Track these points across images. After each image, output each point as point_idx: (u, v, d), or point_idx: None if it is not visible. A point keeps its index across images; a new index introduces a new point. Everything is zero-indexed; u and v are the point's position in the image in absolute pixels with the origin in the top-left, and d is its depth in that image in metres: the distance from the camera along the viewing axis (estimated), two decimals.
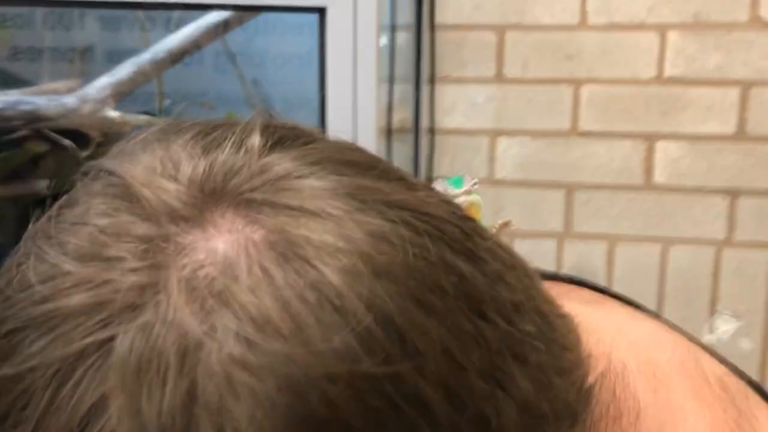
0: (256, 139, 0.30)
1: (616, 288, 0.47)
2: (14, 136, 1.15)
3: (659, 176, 1.50)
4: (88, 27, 1.35)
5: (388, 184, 0.30)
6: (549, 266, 1.55)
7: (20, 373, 0.26)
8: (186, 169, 0.28)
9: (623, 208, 1.51)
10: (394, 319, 0.26)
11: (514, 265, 0.32)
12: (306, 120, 1.56)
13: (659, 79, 1.48)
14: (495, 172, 1.54)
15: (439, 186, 0.52)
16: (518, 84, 1.51)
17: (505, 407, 0.28)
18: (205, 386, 0.24)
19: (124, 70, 1.09)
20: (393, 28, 1.48)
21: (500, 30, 1.51)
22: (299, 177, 0.28)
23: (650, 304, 1.53)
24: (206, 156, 0.29)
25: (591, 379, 0.36)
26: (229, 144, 0.29)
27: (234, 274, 0.25)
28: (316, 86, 1.42)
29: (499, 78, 1.52)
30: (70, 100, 1.04)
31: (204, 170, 0.28)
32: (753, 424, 0.39)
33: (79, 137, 1.12)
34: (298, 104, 1.57)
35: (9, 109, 1.01)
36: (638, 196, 1.50)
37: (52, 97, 1.04)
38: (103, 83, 1.07)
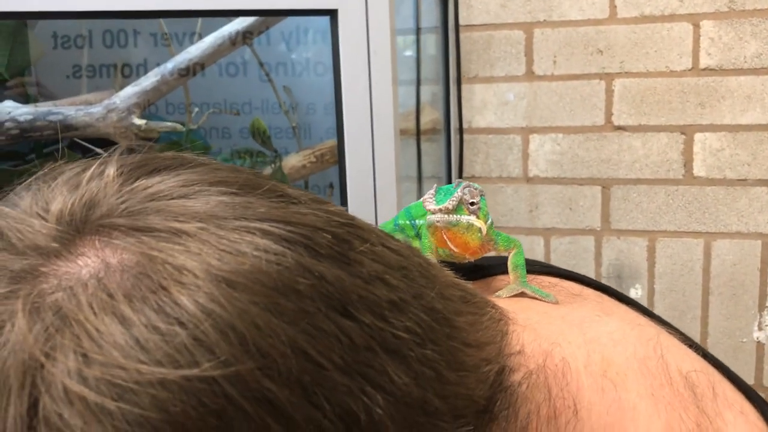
0: (111, 171, 0.32)
1: (659, 285, 0.46)
2: (41, 144, 1.20)
3: (699, 169, 1.45)
4: (131, 43, 1.40)
5: (258, 201, 0.32)
6: (588, 264, 1.52)
7: None
8: (55, 207, 0.31)
9: (662, 203, 1.47)
10: (233, 323, 0.27)
11: (405, 266, 0.33)
12: (329, 125, 1.58)
13: (695, 69, 1.44)
14: (528, 170, 1.52)
15: (428, 193, 0.47)
16: (549, 80, 1.49)
17: (377, 402, 0.28)
18: (45, 402, 0.26)
19: (149, 79, 1.12)
20: (418, 31, 1.48)
21: (528, 27, 1.49)
22: (160, 200, 0.31)
23: (695, 301, 1.49)
24: (72, 192, 0.31)
25: (516, 376, 0.36)
26: (88, 179, 0.32)
27: (77, 297, 0.27)
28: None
29: (529, 75, 1.50)
30: (97, 110, 1.08)
31: (69, 205, 0.31)
32: (716, 425, 0.38)
33: (108, 147, 1.15)
34: (324, 110, 1.58)
35: (39, 119, 1.05)
36: (678, 190, 1.46)
37: (80, 107, 1.08)
38: (128, 92, 1.10)
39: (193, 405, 0.26)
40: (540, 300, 0.45)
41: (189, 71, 1.16)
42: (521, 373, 0.36)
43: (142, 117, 1.12)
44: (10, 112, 1.04)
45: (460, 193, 0.46)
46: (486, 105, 1.53)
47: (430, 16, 1.49)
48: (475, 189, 0.47)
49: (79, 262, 0.28)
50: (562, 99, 1.50)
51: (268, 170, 1.34)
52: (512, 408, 0.35)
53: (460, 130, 1.53)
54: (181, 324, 0.27)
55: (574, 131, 1.50)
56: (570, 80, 1.49)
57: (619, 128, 1.48)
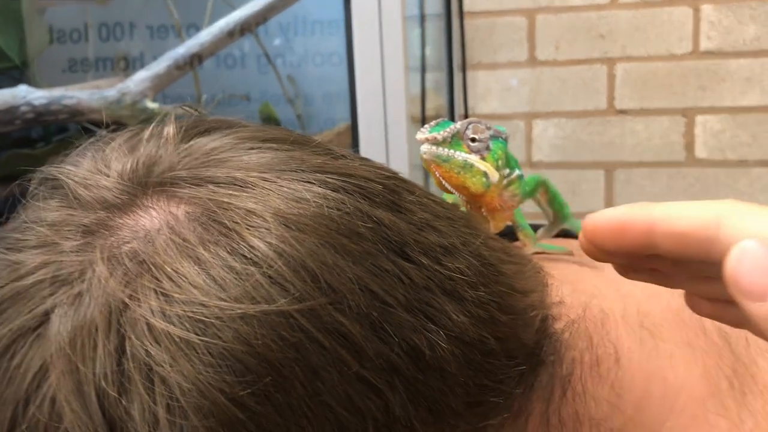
0: (170, 130, 0.34)
1: None
2: (51, 130, 1.21)
3: (700, 151, 1.47)
4: (137, 37, 1.41)
5: (309, 155, 0.33)
6: None
7: None
8: (115, 166, 0.32)
9: (665, 185, 1.49)
10: (305, 262, 0.28)
11: (450, 216, 0.35)
12: (344, 113, 1.59)
13: (695, 53, 1.46)
14: (532, 155, 1.54)
15: (420, 132, 0.40)
16: (551, 66, 1.51)
17: (440, 338, 0.30)
18: (131, 341, 0.27)
19: (161, 64, 1.13)
20: (422, 18, 1.50)
21: (530, 13, 1.51)
22: (219, 154, 0.32)
23: None
24: (132, 153, 0.33)
25: (558, 325, 0.37)
26: (147, 140, 0.33)
27: (153, 244, 0.29)
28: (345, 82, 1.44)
29: (532, 61, 1.52)
30: (110, 93, 1.09)
31: (130, 164, 0.32)
32: (751, 370, 0.39)
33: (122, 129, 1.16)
34: (335, 99, 1.59)
35: (54, 103, 1.06)
36: (680, 172, 1.48)
37: (94, 91, 1.09)
38: (141, 76, 1.11)
39: (272, 338, 0.27)
40: (556, 254, 0.46)
41: (200, 57, 1.17)
42: (563, 321, 0.37)
43: (154, 101, 1.13)
44: (25, 96, 1.05)
45: (458, 126, 0.39)
46: (489, 91, 1.55)
47: (433, 2, 1.50)
48: (485, 127, 0.40)
49: (148, 214, 0.30)
50: (564, 84, 1.52)
51: None
52: (557, 354, 0.36)
53: (465, 117, 1.54)
54: (255, 264, 0.28)
55: (577, 116, 1.52)
56: (572, 65, 1.51)
57: (622, 112, 1.50)
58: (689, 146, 1.48)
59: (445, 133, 0.39)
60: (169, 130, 0.34)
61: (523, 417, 0.35)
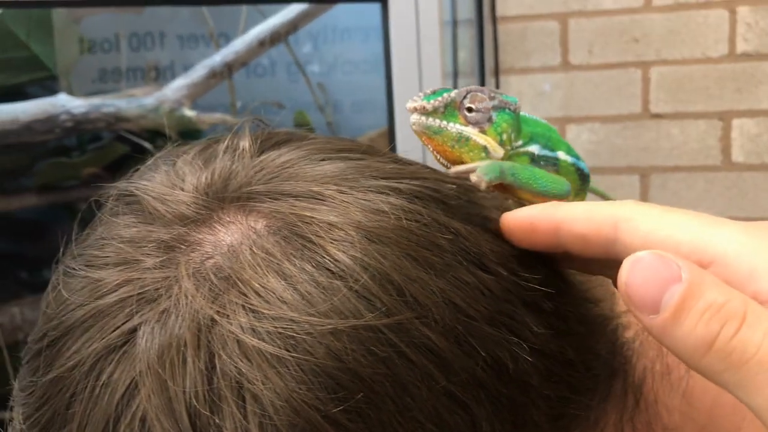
0: (245, 144, 0.33)
1: None
2: (86, 139, 1.21)
3: (737, 155, 1.45)
4: (167, 46, 1.42)
5: (381, 162, 0.33)
6: None
7: (62, 375, 0.29)
8: (190, 180, 0.32)
9: (702, 190, 1.47)
10: (390, 276, 0.28)
11: None
12: (374, 120, 1.58)
13: (731, 55, 1.44)
14: None
15: (411, 100, 0.36)
16: (585, 70, 1.50)
17: (521, 352, 0.29)
18: (221, 357, 0.27)
19: (198, 72, 1.14)
20: (454, 23, 1.49)
21: (563, 17, 1.50)
22: (293, 167, 0.32)
23: None
24: (206, 166, 0.32)
25: (629, 333, 0.36)
26: (223, 153, 0.33)
27: (237, 259, 0.28)
28: (381, 89, 1.44)
29: (565, 66, 1.51)
30: (149, 101, 1.09)
31: (206, 178, 0.32)
32: None
33: (158, 139, 1.17)
34: (365, 107, 1.59)
35: (92, 111, 1.06)
36: (717, 177, 1.46)
37: (132, 99, 1.09)
38: (178, 84, 1.12)
39: (363, 354, 0.27)
40: None
41: (235, 66, 1.17)
42: (632, 330, 0.36)
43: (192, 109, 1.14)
44: (64, 105, 1.06)
45: (453, 95, 0.35)
46: (522, 96, 1.54)
47: (464, 8, 1.50)
48: (488, 95, 0.36)
49: (228, 229, 0.30)
50: (598, 88, 1.50)
51: None
52: (629, 363, 0.35)
53: None
54: (341, 278, 0.28)
55: (611, 120, 1.51)
56: (606, 69, 1.50)
57: (657, 116, 1.49)
58: (726, 150, 1.46)
59: (437, 103, 0.35)
60: (245, 143, 0.33)
61: (599, 427, 0.34)
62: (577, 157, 0.41)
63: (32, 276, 1.22)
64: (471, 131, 0.35)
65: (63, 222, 1.23)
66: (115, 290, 0.29)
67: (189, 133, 1.16)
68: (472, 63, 1.51)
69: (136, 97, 1.14)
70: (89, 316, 0.29)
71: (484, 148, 0.35)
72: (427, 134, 0.35)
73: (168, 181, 0.32)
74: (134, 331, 0.28)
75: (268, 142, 0.34)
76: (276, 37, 1.18)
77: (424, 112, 0.34)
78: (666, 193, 1.49)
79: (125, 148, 1.15)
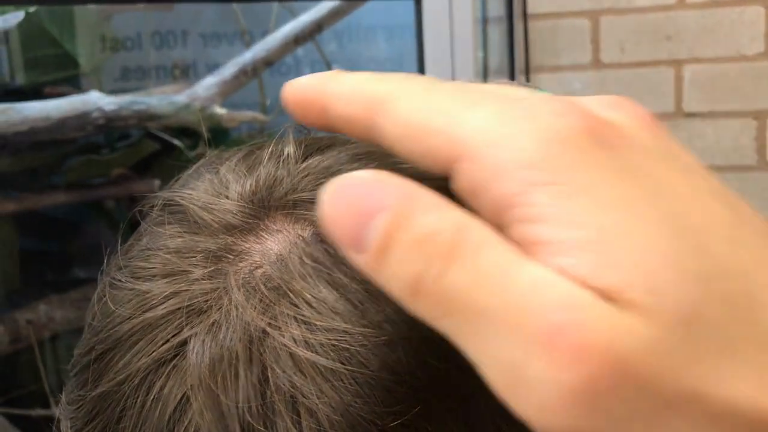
0: (290, 150, 0.32)
1: None
2: (115, 136, 1.21)
3: None
4: (196, 44, 1.41)
5: None
6: None
7: (111, 390, 0.28)
8: (235, 188, 0.31)
9: (736, 190, 1.44)
10: None
11: None
12: None
13: (767, 53, 1.41)
14: None
15: None
16: (616, 68, 1.48)
17: None
18: (274, 370, 0.26)
19: (228, 69, 1.13)
20: (485, 21, 1.48)
21: (594, 15, 1.48)
22: (338, 172, 0.30)
23: None
24: (251, 173, 0.31)
25: None
26: (267, 159, 0.32)
27: (287, 268, 0.28)
28: None
29: (596, 64, 1.49)
30: (179, 99, 1.08)
31: (250, 185, 0.31)
32: None
33: (188, 137, 1.16)
34: None
35: (124, 108, 1.06)
36: (751, 177, 1.44)
37: (164, 97, 1.09)
38: (209, 82, 1.11)
39: (419, 366, 0.26)
40: None
41: (265, 63, 1.16)
42: None
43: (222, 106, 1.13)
44: (96, 102, 1.05)
45: None
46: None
47: (494, 5, 1.48)
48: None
49: (275, 237, 0.29)
50: (630, 87, 1.48)
51: None
52: None
53: None
54: None
55: None
56: (638, 68, 1.47)
57: (690, 115, 1.46)
58: (761, 150, 1.44)
59: None
60: (289, 149, 0.32)
61: None
62: None
63: (62, 274, 1.22)
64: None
65: (93, 220, 1.22)
66: (163, 302, 0.28)
67: (219, 131, 1.15)
68: (502, 61, 1.49)
69: (167, 94, 1.14)
70: (137, 329, 0.28)
71: None
72: None
73: (212, 190, 0.31)
74: (184, 344, 0.27)
75: (312, 147, 0.33)
76: (307, 35, 1.17)
77: None
78: None
79: (155, 145, 1.15)
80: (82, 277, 1.20)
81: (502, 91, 0.23)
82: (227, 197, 0.31)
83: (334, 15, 1.22)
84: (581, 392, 0.18)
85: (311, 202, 0.30)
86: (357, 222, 0.20)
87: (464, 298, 0.19)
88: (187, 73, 1.35)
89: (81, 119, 1.05)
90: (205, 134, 1.10)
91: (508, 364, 0.19)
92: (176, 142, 1.13)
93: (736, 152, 1.44)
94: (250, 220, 0.30)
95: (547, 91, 0.34)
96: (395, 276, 0.20)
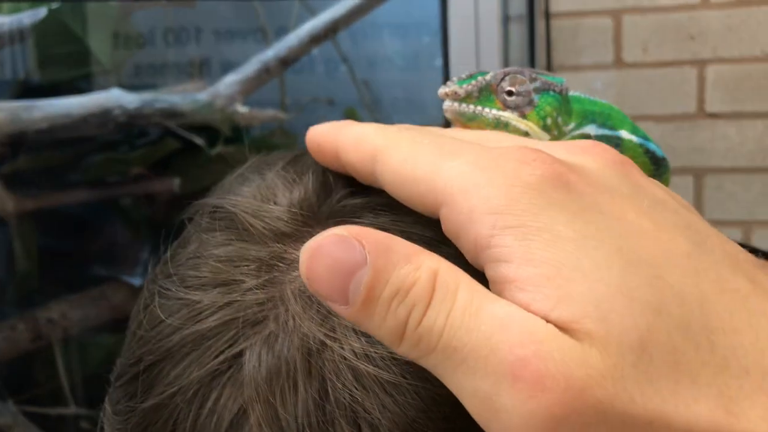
0: None
1: None
2: (134, 134, 1.20)
3: None
4: (204, 41, 1.40)
5: None
6: None
7: (163, 402, 0.27)
8: (283, 193, 0.30)
9: (759, 193, 1.43)
10: None
11: None
12: (412, 118, 1.55)
13: None
14: None
15: (444, 86, 0.33)
16: (638, 68, 1.46)
17: None
18: (334, 384, 0.25)
19: (250, 67, 1.12)
20: (506, 19, 1.46)
21: (616, 14, 1.47)
22: None
23: None
24: (299, 179, 0.31)
25: None
26: (315, 164, 0.31)
27: None
28: (429, 86, 1.41)
29: (618, 63, 1.48)
30: (201, 97, 1.07)
31: (300, 192, 0.30)
32: None
33: (209, 134, 1.15)
34: (409, 105, 1.57)
35: (146, 106, 1.05)
36: None
37: (186, 95, 1.08)
38: (231, 80, 1.10)
39: None
40: None
41: (287, 61, 1.15)
42: None
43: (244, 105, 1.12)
44: (118, 100, 1.04)
45: (489, 78, 0.32)
46: None
47: (515, 3, 1.47)
48: (529, 77, 0.33)
49: None
50: (652, 87, 1.47)
51: None
52: None
53: None
54: None
55: (665, 120, 1.47)
56: (660, 67, 1.46)
57: (712, 116, 1.45)
58: None
59: (471, 87, 0.32)
60: None
61: None
62: (647, 138, 0.38)
63: (81, 272, 1.22)
64: (510, 116, 0.32)
65: (111, 218, 1.22)
66: (216, 313, 0.27)
67: (239, 129, 1.14)
68: (522, 60, 1.48)
69: (188, 92, 1.13)
70: (189, 340, 0.27)
71: (526, 134, 0.32)
72: (461, 121, 0.32)
73: (260, 195, 0.31)
74: (239, 355, 0.26)
75: None
76: (329, 32, 1.16)
77: (456, 97, 0.32)
78: (721, 195, 1.45)
79: (176, 143, 1.14)
80: (101, 276, 1.19)
81: (482, 138, 0.27)
82: (276, 203, 0.30)
83: (355, 13, 1.21)
84: (545, 419, 0.20)
85: (364, 209, 0.29)
86: (339, 280, 0.22)
87: (441, 338, 0.21)
88: (202, 71, 1.34)
89: (102, 117, 1.04)
90: (227, 132, 1.09)
91: (482, 396, 0.20)
92: (197, 140, 1.12)
93: (759, 153, 1.42)
94: (302, 228, 0.29)
95: (564, 81, 0.34)
96: (380, 325, 0.22)
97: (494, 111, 0.32)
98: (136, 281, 1.10)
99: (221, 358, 0.27)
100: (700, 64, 1.45)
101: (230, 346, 0.27)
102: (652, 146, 0.37)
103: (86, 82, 1.17)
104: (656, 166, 0.37)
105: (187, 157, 1.16)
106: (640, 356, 0.20)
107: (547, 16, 1.46)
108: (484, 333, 0.20)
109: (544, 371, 0.20)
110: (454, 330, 0.21)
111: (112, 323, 1.17)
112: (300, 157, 0.33)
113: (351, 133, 0.27)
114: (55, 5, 1.06)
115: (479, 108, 0.32)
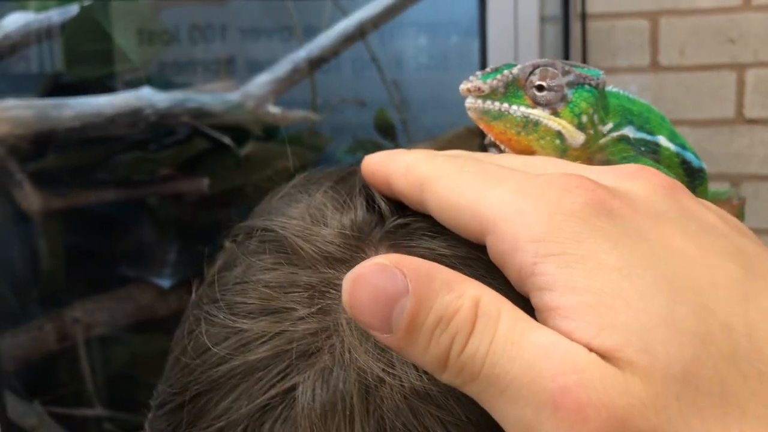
0: None
1: None
2: (161, 133, 1.19)
3: None
4: (229, 39, 1.39)
5: None
6: None
7: None
8: (333, 216, 0.29)
9: None
10: None
11: None
12: (442, 118, 1.53)
13: None
14: None
15: (466, 81, 0.30)
16: (675, 71, 1.43)
17: None
18: (393, 423, 0.24)
19: (283, 67, 1.10)
20: (541, 20, 1.44)
21: (653, 16, 1.43)
22: None
23: None
24: (349, 201, 0.29)
25: None
26: (363, 185, 0.30)
27: None
28: (457, 88, 1.38)
29: (654, 66, 1.45)
30: (233, 97, 1.06)
31: (350, 215, 0.29)
32: None
33: (238, 134, 1.14)
34: (437, 106, 1.54)
35: (177, 106, 1.03)
36: None
37: (217, 95, 1.06)
38: (263, 80, 1.08)
39: None
40: None
41: (318, 61, 1.13)
42: None
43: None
44: (149, 99, 1.03)
45: (516, 71, 0.29)
46: None
47: (550, 4, 1.44)
48: (561, 70, 0.29)
49: None
50: (689, 91, 1.43)
51: None
52: None
53: None
54: None
55: (701, 124, 1.44)
56: (698, 71, 1.42)
57: (751, 121, 1.41)
58: None
59: (495, 82, 0.29)
60: None
61: None
62: (684, 146, 0.35)
63: (108, 272, 1.21)
64: (540, 114, 0.29)
65: (141, 217, 1.20)
66: (266, 343, 0.26)
67: (269, 129, 1.12)
68: None
69: (216, 91, 1.11)
70: (238, 371, 0.26)
71: (558, 134, 0.30)
72: (484, 120, 0.29)
73: (309, 217, 0.29)
74: (292, 389, 0.25)
75: None
76: (361, 32, 1.14)
77: (480, 93, 0.29)
78: (758, 203, 1.42)
79: (205, 143, 1.13)
80: (128, 276, 1.18)
81: (527, 164, 0.26)
82: (325, 225, 0.29)
83: (388, 12, 1.19)
84: None
85: (424, 232, 0.28)
86: (382, 308, 0.21)
87: (484, 366, 0.21)
88: (229, 69, 1.33)
89: (133, 116, 1.03)
90: (259, 133, 1.08)
91: (525, 424, 0.20)
92: (226, 140, 1.10)
93: None
94: (354, 253, 0.27)
95: (602, 74, 0.31)
96: (423, 353, 0.22)
97: (522, 108, 0.29)
98: (164, 282, 1.09)
99: (272, 392, 0.25)
100: (740, 67, 1.41)
101: (282, 379, 0.25)
102: (689, 156, 0.35)
103: (114, 80, 1.16)
104: (690, 178, 0.35)
105: (216, 157, 1.15)
106: (685, 387, 0.20)
107: (583, 17, 1.43)
108: (526, 361, 0.20)
109: (586, 400, 0.19)
110: (496, 358, 0.21)
111: (138, 324, 1.16)
112: (347, 177, 0.31)
113: (401, 162, 0.27)
114: (86, 2, 1.04)
115: (505, 105, 0.29)
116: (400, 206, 0.28)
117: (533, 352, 0.20)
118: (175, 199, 1.18)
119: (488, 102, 0.29)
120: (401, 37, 1.49)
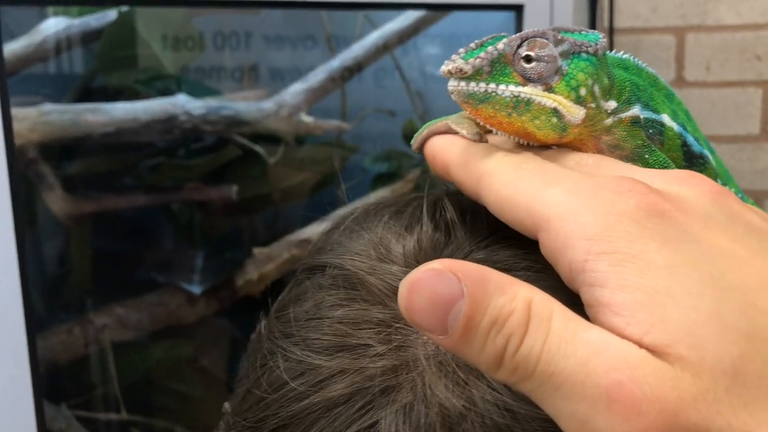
0: (450, 212, 0.31)
1: None
2: (193, 138, 1.19)
3: None
4: (254, 46, 1.39)
5: None
6: None
7: None
8: (398, 249, 0.30)
9: None
10: None
11: None
12: None
13: None
14: None
15: (447, 61, 0.26)
16: (700, 87, 1.44)
17: None
18: None
19: (316, 76, 1.11)
20: None
21: (680, 32, 1.44)
22: (508, 229, 0.29)
23: None
24: (410, 233, 0.30)
25: None
26: (427, 218, 0.31)
27: None
28: None
29: (679, 82, 1.45)
30: (268, 105, 1.06)
31: (414, 247, 0.30)
32: None
33: (269, 142, 1.14)
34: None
35: (212, 113, 1.04)
36: None
37: (251, 103, 1.07)
38: (297, 89, 1.09)
39: None
40: None
41: (351, 71, 1.14)
42: None
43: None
44: (184, 106, 1.04)
45: (502, 46, 0.25)
46: None
47: (577, 19, 1.45)
48: (553, 39, 0.26)
49: None
50: (714, 107, 1.44)
51: (416, 172, 1.32)
52: None
53: None
54: None
55: (726, 141, 1.44)
56: (724, 87, 1.43)
57: None
58: None
59: (479, 61, 0.25)
60: (450, 212, 0.31)
61: None
62: (685, 127, 0.32)
63: (137, 277, 1.21)
64: (531, 91, 0.26)
65: (171, 224, 1.21)
66: (344, 379, 0.27)
67: (304, 139, 1.13)
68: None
69: (248, 99, 1.12)
70: (317, 408, 0.27)
71: (555, 112, 0.26)
72: (470, 104, 0.26)
73: (374, 253, 0.30)
74: (374, 425, 0.25)
75: (461, 203, 0.31)
76: (395, 43, 1.14)
77: (463, 75, 0.25)
78: None
79: (237, 150, 1.13)
80: (157, 281, 1.18)
81: (581, 163, 0.27)
82: (392, 260, 0.29)
83: (420, 24, 1.20)
84: None
85: (494, 263, 0.28)
86: (437, 311, 0.22)
87: (539, 364, 0.22)
88: (256, 77, 1.33)
89: (168, 123, 1.03)
90: (291, 142, 1.08)
91: (579, 419, 0.21)
92: (257, 148, 1.11)
93: None
94: None
95: (601, 38, 0.28)
96: (479, 354, 0.22)
97: (511, 87, 0.26)
98: (194, 288, 1.09)
99: (354, 427, 0.26)
100: (766, 84, 1.41)
101: (363, 415, 0.26)
102: (689, 138, 0.32)
103: (148, 86, 1.17)
104: (689, 164, 0.32)
105: (246, 165, 1.15)
106: (733, 381, 0.20)
107: (611, 32, 1.44)
108: (579, 358, 0.21)
109: (639, 395, 0.20)
110: (550, 356, 0.21)
111: (167, 330, 1.16)
112: (405, 206, 0.32)
113: (463, 153, 0.28)
114: (124, 8, 1.05)
115: (492, 86, 0.26)
116: (462, 232, 0.29)
117: (586, 350, 0.21)
118: (205, 206, 1.18)
119: (472, 83, 0.26)
120: (424, 47, 1.49)
